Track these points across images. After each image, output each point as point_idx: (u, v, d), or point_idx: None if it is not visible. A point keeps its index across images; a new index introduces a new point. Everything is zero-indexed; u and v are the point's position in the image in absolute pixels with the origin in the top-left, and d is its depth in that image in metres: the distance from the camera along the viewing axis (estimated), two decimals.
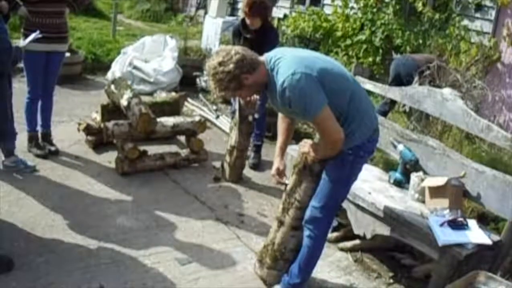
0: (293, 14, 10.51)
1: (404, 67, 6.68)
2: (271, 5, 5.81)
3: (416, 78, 6.95)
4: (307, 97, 2.81)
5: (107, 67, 8.33)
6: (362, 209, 3.82)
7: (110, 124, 5.00)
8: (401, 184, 4.09)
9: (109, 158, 5.27)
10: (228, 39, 8.70)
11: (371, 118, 3.15)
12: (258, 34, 5.16)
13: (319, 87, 2.83)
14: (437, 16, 7.81)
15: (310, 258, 3.33)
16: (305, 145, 3.31)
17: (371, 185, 4.03)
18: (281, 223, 3.48)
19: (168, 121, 5.36)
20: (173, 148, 5.76)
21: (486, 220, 4.28)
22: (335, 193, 3.20)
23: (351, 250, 4.18)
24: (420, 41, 7.91)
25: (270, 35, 5.22)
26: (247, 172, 5.37)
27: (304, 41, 9.79)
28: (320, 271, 3.86)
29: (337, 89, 2.93)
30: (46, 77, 5.00)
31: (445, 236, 3.25)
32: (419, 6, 7.88)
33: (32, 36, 4.30)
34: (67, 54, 6.28)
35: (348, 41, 8.93)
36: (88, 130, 5.46)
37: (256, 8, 5.05)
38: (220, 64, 2.85)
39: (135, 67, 7.82)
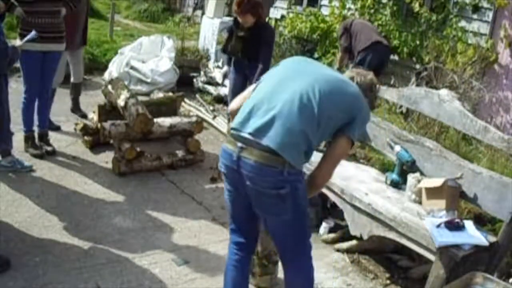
0: (291, 15, 10.52)
1: (386, 56, 6.97)
2: (264, 3, 5.76)
3: (413, 79, 7.00)
4: None
5: (104, 67, 8.32)
6: (359, 210, 3.82)
7: (107, 124, 5.00)
8: (398, 185, 4.10)
9: (106, 158, 5.27)
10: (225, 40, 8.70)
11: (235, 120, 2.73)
12: (252, 32, 5.14)
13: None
14: (434, 17, 7.83)
15: None
16: None
17: (368, 186, 4.03)
18: None
19: (165, 121, 5.36)
20: (170, 148, 5.76)
21: (482, 221, 4.29)
22: None
23: (347, 251, 4.18)
24: (417, 42, 7.93)
25: (264, 33, 5.18)
26: None
27: (301, 42, 9.80)
28: (317, 272, 3.85)
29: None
30: (43, 77, 4.99)
31: (442, 237, 3.25)
32: (416, 7, 7.89)
33: (29, 36, 4.29)
34: None
35: None
36: (85, 130, 5.45)
37: (245, 5, 5.02)
38: None
39: (132, 68, 7.82)
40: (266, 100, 2.64)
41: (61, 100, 6.74)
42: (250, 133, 2.58)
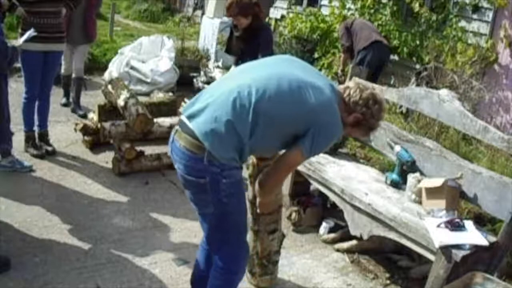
0: (291, 15, 10.52)
1: (387, 55, 7.00)
2: (264, 3, 5.70)
3: (413, 79, 7.01)
4: None
5: (104, 67, 8.32)
6: (359, 210, 3.82)
7: (107, 125, 5.00)
8: (398, 185, 4.10)
9: (106, 158, 5.27)
10: (225, 40, 8.71)
11: None
12: (248, 33, 5.08)
13: None
14: (434, 17, 7.83)
15: None
16: None
17: (368, 186, 4.03)
18: (256, 232, 3.45)
19: (165, 121, 5.36)
20: None
21: (482, 221, 4.29)
22: None
23: (347, 251, 4.18)
24: (417, 42, 7.93)
25: (260, 34, 5.03)
26: (243, 172, 5.35)
27: (301, 42, 9.79)
28: (317, 272, 3.87)
29: None
30: (43, 77, 4.99)
31: (442, 237, 3.25)
32: (416, 7, 7.89)
33: (27, 35, 4.29)
34: None
35: None
36: (85, 130, 5.45)
37: (234, 8, 4.93)
38: None
39: (132, 68, 7.82)
40: (211, 89, 2.63)
41: (61, 100, 6.75)
42: (186, 117, 2.56)
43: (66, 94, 6.83)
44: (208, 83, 8.24)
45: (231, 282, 2.86)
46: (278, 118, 2.49)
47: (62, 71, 6.61)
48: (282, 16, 10.96)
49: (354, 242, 4.16)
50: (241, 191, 2.67)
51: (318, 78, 2.66)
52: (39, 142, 5.20)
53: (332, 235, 4.33)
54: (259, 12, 4.96)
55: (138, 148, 5.06)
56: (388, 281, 3.90)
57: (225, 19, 9.73)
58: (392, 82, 7.45)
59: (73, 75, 6.64)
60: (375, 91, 2.73)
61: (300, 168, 4.42)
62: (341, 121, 2.63)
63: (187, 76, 8.32)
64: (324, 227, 4.40)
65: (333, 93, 2.63)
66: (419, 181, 3.84)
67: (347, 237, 4.16)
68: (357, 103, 2.66)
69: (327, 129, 2.55)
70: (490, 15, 7.31)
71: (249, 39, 5.03)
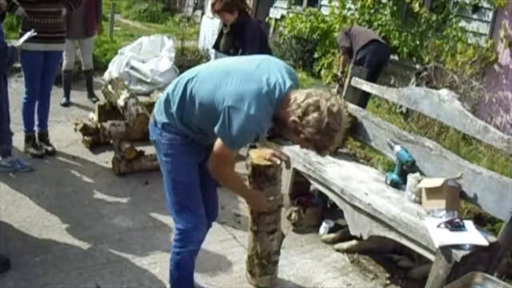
0: (290, 15, 10.53)
1: (386, 55, 7.02)
2: (264, 2, 5.69)
3: (413, 79, 7.02)
4: None
5: (104, 67, 8.32)
6: (359, 210, 3.82)
7: (107, 124, 5.01)
8: (398, 185, 4.09)
9: (106, 158, 5.27)
10: None
11: None
12: (236, 30, 5.04)
13: None
14: (434, 17, 7.83)
15: None
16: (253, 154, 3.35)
17: (368, 186, 4.03)
18: (256, 232, 3.46)
19: None
20: None
21: (482, 221, 4.29)
22: None
23: (347, 251, 4.18)
24: (417, 42, 7.93)
25: (247, 29, 4.99)
26: (244, 172, 5.36)
27: (301, 42, 9.80)
28: (317, 272, 3.87)
29: None
30: (44, 77, 4.99)
31: (442, 237, 3.25)
32: (416, 7, 7.89)
33: (27, 36, 4.29)
34: None
35: None
36: (85, 130, 5.45)
37: (218, 4, 4.88)
38: None
39: (132, 68, 7.82)
40: None
41: (61, 100, 6.75)
42: None
43: (66, 94, 6.88)
44: None
45: (181, 247, 3.02)
46: (198, 98, 2.65)
47: (64, 66, 6.70)
48: (282, 16, 10.96)
49: (354, 242, 4.16)
50: (179, 154, 2.84)
51: (271, 73, 2.54)
52: (39, 142, 5.20)
53: (332, 235, 4.33)
54: (245, 8, 4.92)
55: (138, 148, 5.06)
56: (388, 281, 3.90)
57: None
58: (392, 82, 7.46)
59: (83, 69, 7.10)
60: (329, 101, 2.47)
61: (300, 168, 4.42)
62: (285, 125, 2.55)
63: None
64: (324, 227, 4.40)
65: (274, 89, 2.50)
66: (419, 181, 3.84)
67: (347, 237, 4.16)
68: (299, 106, 2.47)
69: (238, 119, 2.44)
70: (490, 15, 7.32)
71: (238, 36, 5.00)
